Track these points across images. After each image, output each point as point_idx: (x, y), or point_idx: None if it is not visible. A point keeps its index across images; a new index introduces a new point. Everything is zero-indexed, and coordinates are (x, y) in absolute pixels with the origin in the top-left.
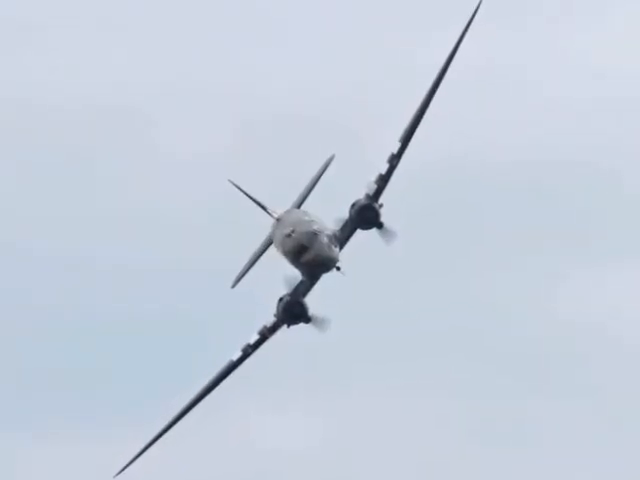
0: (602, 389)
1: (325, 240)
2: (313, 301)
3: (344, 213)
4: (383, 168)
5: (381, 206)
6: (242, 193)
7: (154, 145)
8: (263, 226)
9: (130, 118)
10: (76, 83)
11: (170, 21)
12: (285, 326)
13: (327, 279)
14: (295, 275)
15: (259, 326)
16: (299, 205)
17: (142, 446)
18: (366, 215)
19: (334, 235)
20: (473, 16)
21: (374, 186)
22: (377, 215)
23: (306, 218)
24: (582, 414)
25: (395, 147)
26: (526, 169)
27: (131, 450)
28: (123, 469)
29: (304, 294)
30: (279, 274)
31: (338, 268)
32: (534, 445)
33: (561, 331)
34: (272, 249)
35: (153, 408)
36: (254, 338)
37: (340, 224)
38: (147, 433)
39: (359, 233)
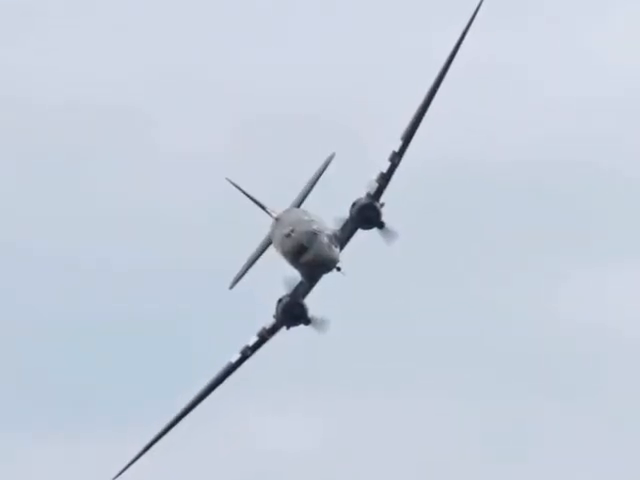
0: (606, 390)
1: (325, 240)
2: (313, 302)
3: (344, 212)
4: (384, 166)
5: (382, 205)
6: (241, 192)
7: (154, 145)
8: (262, 226)
9: (130, 118)
10: (76, 83)
11: (170, 21)
12: (284, 328)
13: (327, 279)
14: (295, 276)
15: (258, 328)
16: (299, 204)
17: (141, 448)
18: (367, 214)
19: (334, 235)
20: (474, 15)
21: (375, 185)
22: (378, 214)
23: (306, 218)
24: (586, 415)
25: (397, 145)
26: (528, 168)
27: (130, 452)
28: (122, 471)
29: (304, 295)
30: (278, 275)
31: (338, 268)
32: (535, 446)
33: (562, 331)
34: (271, 249)
35: (152, 410)
36: (253, 340)
37: (340, 224)
38: (146, 435)
39: (360, 233)
